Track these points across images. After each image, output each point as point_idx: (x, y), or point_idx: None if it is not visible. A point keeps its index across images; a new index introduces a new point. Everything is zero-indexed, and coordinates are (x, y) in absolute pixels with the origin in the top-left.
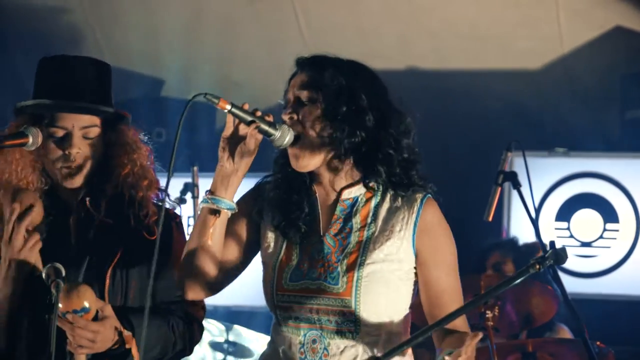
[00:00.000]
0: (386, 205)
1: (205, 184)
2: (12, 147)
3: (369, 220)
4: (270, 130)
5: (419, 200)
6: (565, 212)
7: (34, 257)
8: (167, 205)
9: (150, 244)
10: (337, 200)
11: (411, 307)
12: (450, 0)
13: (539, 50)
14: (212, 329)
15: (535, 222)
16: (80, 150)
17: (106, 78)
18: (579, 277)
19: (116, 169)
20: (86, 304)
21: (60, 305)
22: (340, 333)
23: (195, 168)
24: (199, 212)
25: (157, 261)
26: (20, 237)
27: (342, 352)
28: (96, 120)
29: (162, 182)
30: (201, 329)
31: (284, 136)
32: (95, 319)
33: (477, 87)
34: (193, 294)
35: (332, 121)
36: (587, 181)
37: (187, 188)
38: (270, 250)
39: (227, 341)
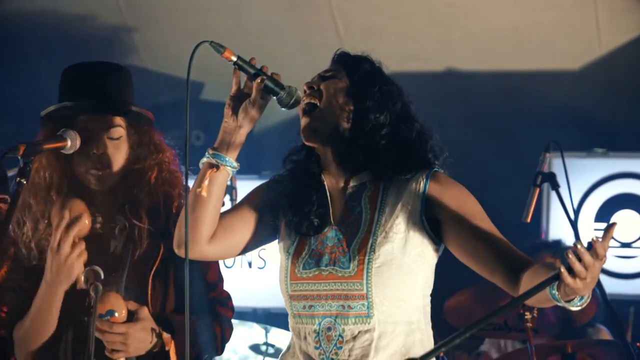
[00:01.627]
0: (394, 187)
1: (243, 186)
2: (50, 150)
3: (378, 204)
4: (277, 88)
5: (424, 176)
6: (604, 213)
7: (79, 266)
8: None
9: None
10: (345, 188)
11: (448, 309)
12: (490, 2)
13: (578, 52)
14: (252, 331)
15: (574, 223)
16: (105, 151)
17: (127, 81)
18: (618, 278)
19: (145, 173)
20: (111, 308)
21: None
22: (353, 318)
23: None
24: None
25: (191, 266)
26: (68, 246)
27: (355, 337)
28: (120, 120)
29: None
30: (231, 329)
31: (291, 95)
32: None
33: (516, 89)
34: (184, 249)
35: (358, 98)
36: (627, 182)
37: (225, 191)
38: (285, 243)
39: (266, 343)
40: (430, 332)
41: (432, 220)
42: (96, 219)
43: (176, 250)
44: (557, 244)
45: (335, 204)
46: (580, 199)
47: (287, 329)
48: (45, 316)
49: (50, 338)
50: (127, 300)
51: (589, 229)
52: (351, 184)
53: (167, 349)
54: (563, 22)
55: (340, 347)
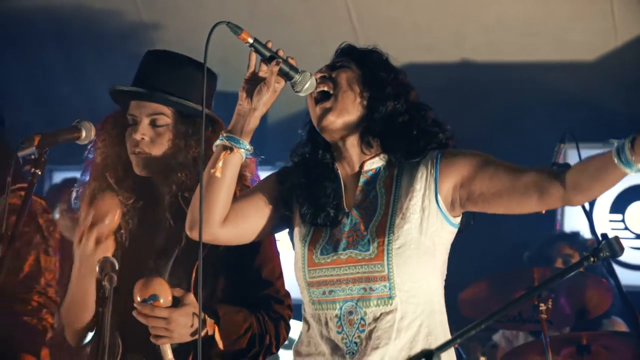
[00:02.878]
0: (407, 171)
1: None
2: (66, 141)
3: (393, 187)
4: (292, 72)
5: (435, 156)
6: (619, 204)
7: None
8: None
9: None
10: (359, 173)
11: (463, 300)
12: None
13: (594, 43)
14: None
15: (589, 215)
16: (145, 136)
17: (189, 74)
18: (633, 270)
19: (188, 164)
20: (154, 293)
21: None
22: (375, 300)
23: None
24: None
25: (245, 258)
26: (91, 243)
27: (377, 319)
28: (164, 109)
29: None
30: (287, 327)
31: (305, 80)
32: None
33: (531, 80)
34: (196, 231)
35: (374, 86)
36: None
37: (238, 174)
38: (301, 232)
39: None
40: (446, 315)
41: (449, 196)
42: (150, 204)
43: (188, 233)
44: (576, 235)
45: (349, 191)
46: None
47: (301, 320)
48: (80, 305)
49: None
50: (172, 288)
51: (604, 220)
52: (365, 168)
53: (209, 333)
54: (578, 14)
55: (363, 330)
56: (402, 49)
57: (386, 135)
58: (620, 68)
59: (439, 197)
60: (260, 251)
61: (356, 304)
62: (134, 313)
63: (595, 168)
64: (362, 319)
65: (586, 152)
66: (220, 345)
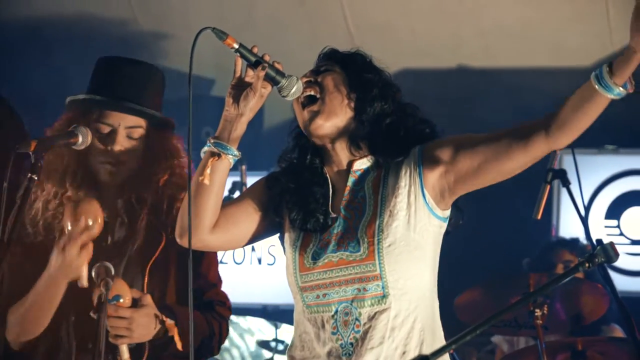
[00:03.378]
0: (393, 170)
1: (253, 182)
2: (62, 147)
3: (380, 187)
4: (278, 77)
5: (417, 151)
6: (615, 210)
7: (82, 267)
8: None
9: None
10: (348, 172)
11: (459, 305)
12: None
13: (589, 48)
14: (261, 327)
15: (584, 220)
16: (122, 148)
17: (157, 83)
18: (629, 275)
19: (156, 175)
20: (117, 293)
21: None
22: (370, 300)
23: (244, 167)
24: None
25: (193, 261)
26: (74, 249)
27: (372, 318)
28: (142, 121)
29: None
30: (227, 330)
31: (292, 85)
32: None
33: (527, 85)
34: (186, 238)
35: (361, 87)
36: (637, 179)
37: (235, 187)
38: (291, 237)
39: (275, 339)
40: (438, 310)
41: (437, 186)
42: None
43: (178, 240)
44: (576, 241)
45: (338, 193)
46: (591, 196)
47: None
48: (43, 306)
49: (52, 321)
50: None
51: (600, 226)
52: (354, 168)
53: (170, 334)
54: (574, 18)
55: (358, 331)
56: (398, 55)
57: (374, 137)
58: None
59: (425, 191)
60: (205, 256)
61: (351, 304)
62: (94, 313)
63: (576, 100)
64: (357, 319)
65: (582, 158)
66: (179, 345)
